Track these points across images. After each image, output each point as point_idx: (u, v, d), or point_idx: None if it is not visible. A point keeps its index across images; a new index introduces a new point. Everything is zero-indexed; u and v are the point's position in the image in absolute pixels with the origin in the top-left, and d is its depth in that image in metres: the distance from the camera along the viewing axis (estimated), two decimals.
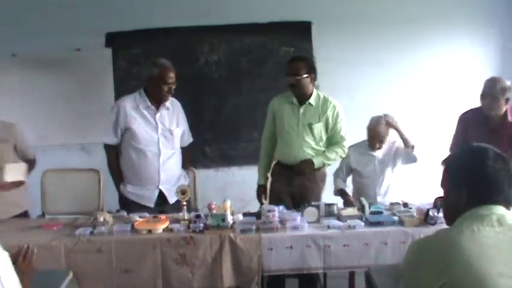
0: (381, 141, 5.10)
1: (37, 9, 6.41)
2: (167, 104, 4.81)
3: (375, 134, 5.09)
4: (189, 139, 5.13)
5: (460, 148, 2.37)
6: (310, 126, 4.83)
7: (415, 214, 4.10)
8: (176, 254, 3.86)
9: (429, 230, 3.72)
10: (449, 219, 2.29)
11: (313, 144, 4.85)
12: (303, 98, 4.84)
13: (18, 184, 4.59)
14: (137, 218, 4.24)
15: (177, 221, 4.18)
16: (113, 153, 4.88)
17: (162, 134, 4.78)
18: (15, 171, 4.52)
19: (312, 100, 4.84)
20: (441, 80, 6.44)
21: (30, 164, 4.95)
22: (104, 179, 5.26)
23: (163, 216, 4.22)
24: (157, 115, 4.77)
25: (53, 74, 6.09)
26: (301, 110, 4.84)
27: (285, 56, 6.49)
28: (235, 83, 6.61)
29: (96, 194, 5.28)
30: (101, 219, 4.10)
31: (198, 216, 4.12)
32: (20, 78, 6.51)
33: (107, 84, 6.52)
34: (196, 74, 6.43)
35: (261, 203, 4.89)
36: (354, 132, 5.38)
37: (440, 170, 2.35)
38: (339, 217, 4.17)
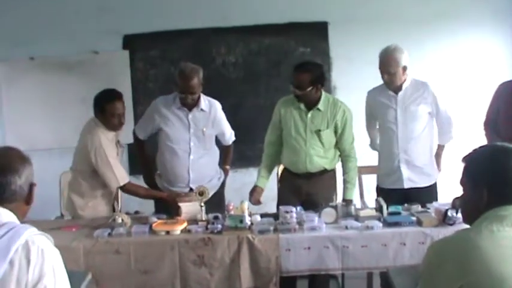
0: (389, 73, 4.69)
1: (54, 13, 6.46)
2: (202, 106, 4.81)
3: (383, 68, 4.72)
4: (231, 137, 5.20)
5: (482, 147, 2.34)
6: (318, 133, 4.68)
7: (433, 214, 4.08)
8: (194, 255, 3.87)
9: (448, 231, 3.68)
10: (468, 218, 2.27)
11: (321, 152, 4.73)
12: (310, 102, 4.67)
13: None
14: (155, 219, 4.25)
15: (195, 222, 4.18)
16: (140, 144, 5.05)
17: (194, 133, 4.80)
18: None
19: (320, 105, 4.66)
20: (460, 79, 6.39)
21: None
22: None
23: (180, 217, 4.22)
24: (190, 115, 4.79)
25: (71, 76, 6.13)
26: (309, 115, 4.68)
27: (302, 57, 6.49)
28: (253, 83, 6.62)
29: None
30: (119, 220, 4.12)
31: (216, 218, 4.13)
32: (38, 81, 6.55)
33: (124, 86, 6.50)
34: (214, 75, 6.42)
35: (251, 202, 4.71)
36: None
37: (459, 167, 2.32)
38: (357, 218, 4.14)
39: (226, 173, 5.23)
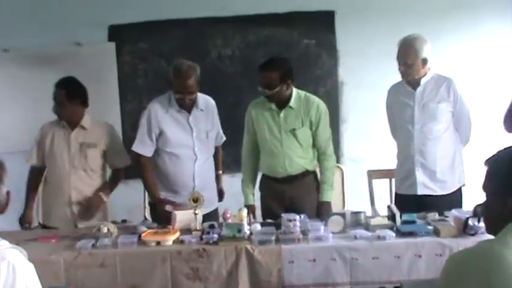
0: (407, 64, 4.69)
1: (33, 1, 6.43)
2: (200, 105, 4.82)
3: (400, 57, 4.74)
4: (222, 137, 5.22)
5: (506, 149, 2.32)
6: (293, 133, 4.77)
7: (452, 223, 4.06)
8: (188, 268, 3.84)
9: (469, 242, 3.64)
10: (491, 227, 2.25)
11: (300, 152, 4.81)
12: (282, 101, 4.76)
13: None
14: (144, 228, 4.23)
15: (189, 231, 4.16)
16: (146, 163, 4.83)
17: (197, 137, 4.80)
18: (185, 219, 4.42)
19: (292, 103, 4.76)
20: (482, 74, 6.37)
21: (118, 174, 5.10)
22: None
23: (172, 227, 4.20)
24: (191, 118, 4.78)
25: (50, 71, 6.07)
26: (282, 115, 4.77)
27: (306, 49, 6.49)
28: (251, 79, 6.54)
29: None
30: (105, 230, 4.10)
31: (211, 227, 4.11)
32: (13, 75, 6.52)
33: (110, 82, 6.54)
34: (209, 70, 6.36)
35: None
36: (380, 130, 5.34)
37: (482, 171, 2.30)
38: (367, 227, 4.13)
39: (220, 180, 5.26)
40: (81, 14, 6.38)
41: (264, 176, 5.02)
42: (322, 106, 4.83)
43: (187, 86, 4.61)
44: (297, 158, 4.79)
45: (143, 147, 4.79)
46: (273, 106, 4.77)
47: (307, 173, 4.87)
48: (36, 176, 5.02)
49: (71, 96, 4.81)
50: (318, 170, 4.94)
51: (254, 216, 4.77)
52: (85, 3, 6.42)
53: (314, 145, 4.87)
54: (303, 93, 4.85)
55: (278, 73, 4.61)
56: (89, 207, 4.80)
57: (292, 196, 4.81)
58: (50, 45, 6.44)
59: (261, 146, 4.92)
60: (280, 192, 4.85)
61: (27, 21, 6.40)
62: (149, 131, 4.76)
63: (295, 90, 4.79)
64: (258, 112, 4.87)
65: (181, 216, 4.32)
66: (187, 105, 4.74)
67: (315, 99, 4.84)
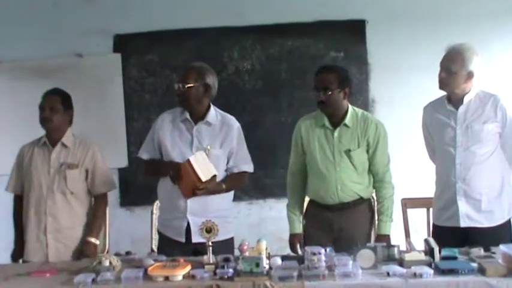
0: (449, 72, 4.63)
1: (29, 7, 6.46)
2: (209, 118, 4.82)
3: (445, 63, 4.68)
4: (240, 166, 4.97)
5: None
6: (348, 154, 4.74)
7: (500, 261, 3.99)
8: None
9: None
10: None
11: (354, 176, 4.79)
12: (336, 118, 4.77)
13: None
14: (151, 261, 4.20)
15: (201, 265, 4.12)
16: (147, 163, 4.98)
17: (197, 151, 4.77)
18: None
19: (347, 120, 4.76)
20: None
21: (100, 203, 5.12)
22: (112, 210, 5.22)
23: (182, 260, 4.16)
24: (195, 129, 4.80)
25: (49, 85, 6.07)
26: (336, 133, 4.77)
27: (333, 62, 6.46)
28: (273, 95, 6.60)
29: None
30: (106, 263, 4.07)
31: (226, 260, 4.07)
32: (8, 90, 6.53)
33: (115, 97, 6.54)
34: (224, 85, 6.33)
35: (296, 254, 4.72)
36: (415, 153, 5.30)
37: None
38: (401, 262, 4.06)
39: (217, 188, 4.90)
40: (83, 22, 6.41)
41: (310, 202, 5.00)
42: (381, 127, 4.83)
43: (186, 74, 4.73)
44: (350, 183, 4.77)
45: (144, 153, 4.95)
46: (327, 122, 4.77)
47: (360, 201, 4.85)
48: (22, 205, 5.01)
49: (66, 104, 4.95)
50: (372, 199, 4.97)
51: (302, 246, 4.77)
52: (87, 9, 6.45)
53: (370, 170, 4.86)
54: (359, 111, 4.86)
55: (337, 75, 4.69)
56: (84, 257, 4.78)
57: (342, 227, 4.78)
58: (47, 56, 6.48)
59: (310, 168, 4.90)
60: (329, 222, 4.82)
61: (22, 29, 6.42)
62: (150, 141, 4.91)
63: (350, 107, 4.80)
64: (308, 128, 4.87)
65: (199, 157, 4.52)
66: (181, 96, 4.75)
67: (374, 119, 4.86)
